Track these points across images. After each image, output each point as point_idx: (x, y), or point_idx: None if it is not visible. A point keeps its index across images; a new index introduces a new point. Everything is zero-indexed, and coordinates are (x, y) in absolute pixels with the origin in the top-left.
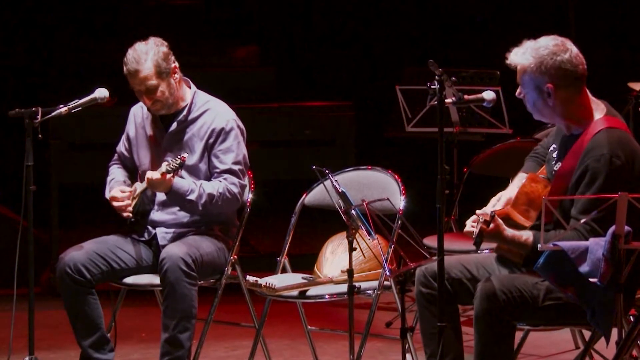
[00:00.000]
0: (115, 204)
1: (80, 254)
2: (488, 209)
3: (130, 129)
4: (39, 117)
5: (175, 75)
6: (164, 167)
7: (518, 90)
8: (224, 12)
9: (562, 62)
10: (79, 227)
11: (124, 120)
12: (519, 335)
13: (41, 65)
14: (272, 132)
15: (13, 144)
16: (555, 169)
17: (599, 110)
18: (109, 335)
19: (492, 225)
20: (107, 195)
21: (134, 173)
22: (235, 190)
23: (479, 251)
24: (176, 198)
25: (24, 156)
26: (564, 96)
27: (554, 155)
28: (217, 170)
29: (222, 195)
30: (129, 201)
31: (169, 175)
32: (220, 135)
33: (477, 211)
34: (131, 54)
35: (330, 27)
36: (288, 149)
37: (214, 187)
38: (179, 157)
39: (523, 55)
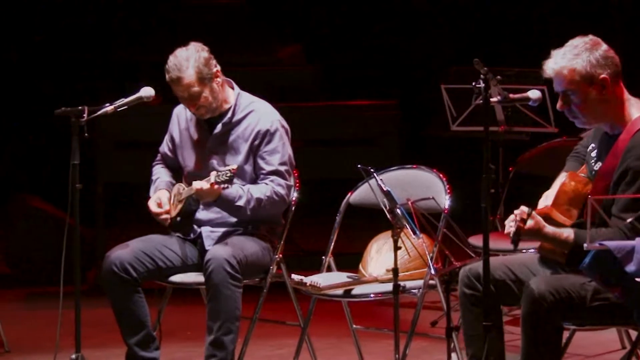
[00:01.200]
0: (154, 210)
1: (127, 252)
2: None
3: (174, 130)
4: (85, 115)
5: (218, 79)
6: (213, 177)
7: (559, 103)
8: (268, 11)
9: (606, 52)
10: (125, 225)
11: (168, 119)
12: (564, 335)
13: (87, 64)
14: (317, 131)
15: (60, 143)
16: (595, 168)
17: (635, 107)
18: (154, 333)
19: (530, 223)
20: (152, 194)
21: (177, 173)
22: (283, 192)
23: (523, 250)
24: (225, 205)
25: (70, 155)
26: (615, 88)
27: (593, 154)
28: (264, 171)
29: (270, 199)
30: (167, 215)
31: (217, 185)
32: (265, 136)
33: (515, 211)
34: (172, 61)
35: (375, 26)
36: (333, 148)
37: (262, 191)
38: (229, 169)
39: (564, 58)
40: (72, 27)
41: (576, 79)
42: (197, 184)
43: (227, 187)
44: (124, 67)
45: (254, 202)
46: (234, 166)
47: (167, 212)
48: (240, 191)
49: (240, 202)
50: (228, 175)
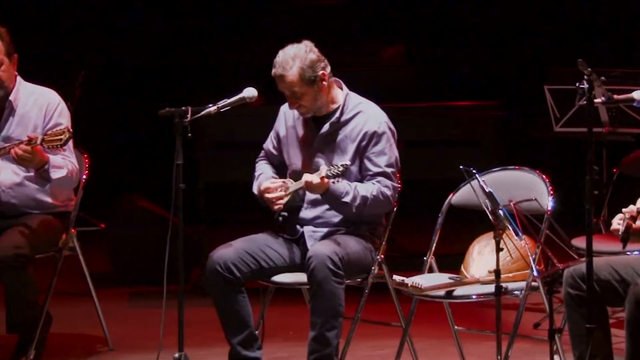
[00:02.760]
0: (267, 195)
1: (230, 252)
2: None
3: (280, 127)
4: (188, 116)
5: (324, 82)
6: (324, 171)
7: None
8: (372, 12)
9: None
10: (228, 225)
11: (271, 119)
12: None
13: (191, 65)
14: (419, 132)
15: (163, 143)
16: None
17: None
18: (257, 332)
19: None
20: (255, 189)
21: (280, 170)
22: (389, 192)
23: (628, 252)
24: (331, 200)
25: (173, 155)
26: None
27: None
28: (370, 173)
29: (376, 198)
30: (283, 192)
31: (327, 180)
32: (373, 138)
33: (624, 209)
34: (280, 56)
35: (478, 27)
36: (435, 149)
37: (368, 189)
38: (343, 165)
39: None
40: (178, 28)
41: None
42: (307, 177)
43: (337, 182)
44: (228, 68)
45: (360, 200)
46: (348, 162)
47: (280, 197)
48: (347, 187)
49: (347, 199)
50: (340, 170)
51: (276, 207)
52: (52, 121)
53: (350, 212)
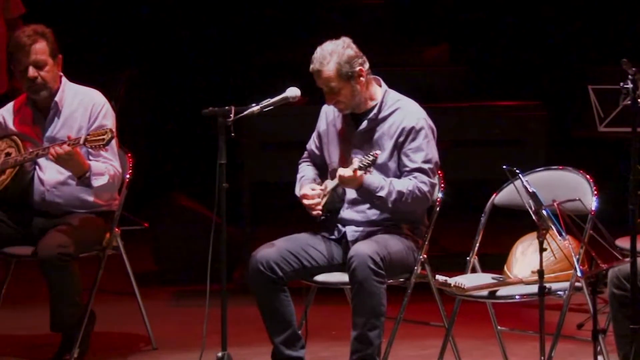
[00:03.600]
0: (305, 201)
1: (272, 251)
2: None
3: (321, 126)
4: (231, 115)
5: (361, 78)
6: (356, 163)
7: None
8: (415, 11)
9: None
10: (270, 224)
11: (314, 119)
12: None
13: (234, 64)
14: (462, 132)
15: (207, 143)
16: None
17: None
18: (300, 332)
19: None
20: (298, 192)
21: (323, 170)
22: (425, 188)
23: None
24: (367, 194)
25: (217, 154)
26: None
27: None
28: (407, 168)
29: (412, 193)
30: (319, 199)
31: (360, 172)
32: (410, 134)
33: None
34: (318, 52)
35: (520, 26)
36: (478, 149)
37: (404, 184)
38: (372, 154)
39: None
40: (223, 28)
41: None
42: (340, 171)
43: (370, 173)
44: (272, 67)
45: (396, 195)
46: (378, 151)
47: (318, 204)
48: (382, 182)
49: (382, 193)
50: (370, 159)
51: (314, 212)
52: (96, 122)
53: (386, 207)
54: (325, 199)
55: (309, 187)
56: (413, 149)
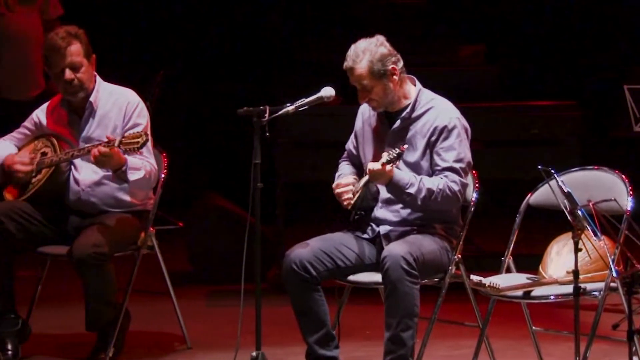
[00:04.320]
0: (337, 190)
1: (306, 251)
2: None
3: (358, 125)
4: (266, 115)
5: (394, 77)
6: (384, 157)
7: None
8: (450, 11)
9: None
10: (305, 224)
11: (349, 119)
12: None
13: (269, 64)
14: (496, 132)
15: (242, 142)
16: None
17: None
18: (334, 332)
19: None
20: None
21: (361, 170)
22: (456, 188)
23: None
24: (396, 190)
25: (252, 154)
26: None
27: None
28: (439, 167)
29: (442, 192)
30: (351, 187)
31: (388, 166)
32: (442, 132)
33: None
34: (352, 50)
35: (555, 26)
36: (513, 149)
37: (434, 182)
38: (399, 147)
39: None
40: (259, 27)
41: None
42: (370, 165)
43: (397, 166)
44: (307, 67)
45: (425, 192)
46: (405, 145)
47: (350, 199)
48: (412, 179)
49: (411, 190)
50: (397, 152)
51: (345, 202)
52: (131, 121)
53: (416, 205)
54: (358, 194)
55: (343, 178)
56: (445, 147)
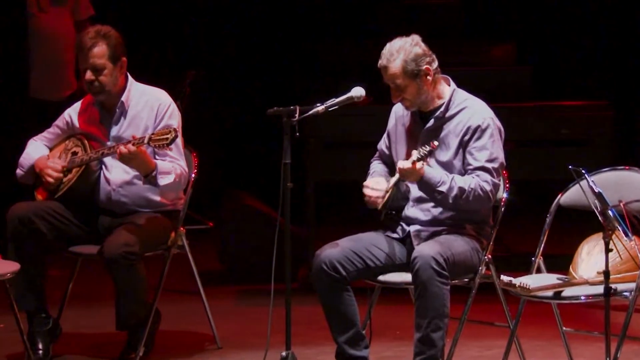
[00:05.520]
0: (365, 191)
1: (336, 251)
2: None
3: (391, 124)
4: (296, 115)
5: (428, 77)
6: (414, 155)
7: None
8: (481, 11)
9: None
10: (335, 224)
11: (378, 119)
12: None
13: (300, 64)
14: (527, 132)
15: (272, 142)
16: None
17: None
18: (364, 332)
19: None
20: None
21: (393, 170)
22: (488, 187)
23: None
24: (427, 188)
25: (282, 154)
26: None
27: None
28: (471, 167)
29: (474, 191)
30: (379, 192)
31: (419, 164)
32: (475, 132)
33: None
34: (387, 48)
35: (587, 26)
36: (544, 149)
37: (466, 182)
38: (430, 144)
39: None
40: (288, 27)
41: None
42: (400, 163)
43: (427, 164)
44: (338, 67)
45: (457, 191)
46: (435, 142)
47: (379, 197)
48: (444, 177)
49: (442, 188)
50: (427, 150)
51: (371, 204)
52: (162, 122)
53: (447, 203)
54: (388, 195)
55: (372, 179)
56: (477, 147)
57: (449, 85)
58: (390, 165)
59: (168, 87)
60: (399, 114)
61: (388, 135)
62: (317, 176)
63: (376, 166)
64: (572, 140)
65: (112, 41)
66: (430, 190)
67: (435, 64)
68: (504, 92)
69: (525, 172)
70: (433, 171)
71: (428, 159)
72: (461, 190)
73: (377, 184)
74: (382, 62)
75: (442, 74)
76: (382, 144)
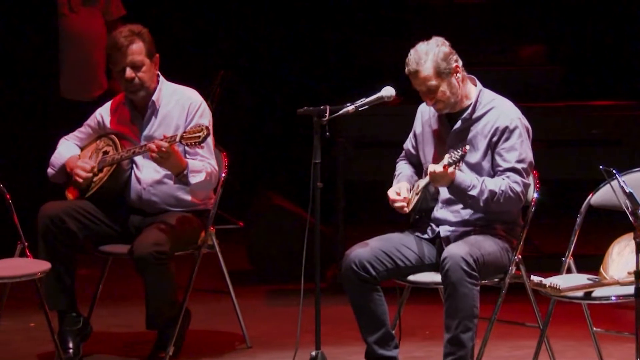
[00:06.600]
0: (392, 198)
1: (366, 251)
2: None
3: (417, 126)
4: (326, 115)
5: (457, 74)
6: (445, 159)
7: None
8: (510, 10)
9: None
10: (364, 224)
11: (408, 119)
12: None
13: (330, 63)
14: (558, 132)
15: (302, 142)
16: None
17: None
18: (393, 332)
19: None
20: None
21: (419, 170)
22: (518, 189)
23: None
24: (458, 192)
25: (312, 153)
26: None
27: None
28: (500, 168)
29: (505, 193)
30: (403, 203)
31: (450, 169)
32: (504, 133)
33: None
34: (412, 54)
35: (618, 25)
36: (574, 149)
37: (497, 184)
38: (461, 149)
39: None
40: (319, 27)
41: None
42: (431, 167)
43: (459, 168)
44: (368, 67)
45: (488, 194)
46: (467, 147)
47: (404, 201)
48: (474, 181)
49: (473, 192)
50: (459, 154)
51: (403, 211)
52: (193, 121)
53: (478, 206)
54: (417, 197)
55: (393, 191)
56: (506, 148)
57: (475, 86)
58: (417, 166)
59: (199, 87)
60: (425, 115)
61: (415, 136)
62: (347, 176)
63: (403, 167)
64: (603, 140)
65: (146, 38)
66: (461, 194)
67: (461, 62)
68: (534, 92)
69: (556, 172)
70: (463, 175)
71: (460, 164)
72: (492, 193)
73: (400, 191)
74: (411, 67)
75: (468, 74)
76: (409, 144)
